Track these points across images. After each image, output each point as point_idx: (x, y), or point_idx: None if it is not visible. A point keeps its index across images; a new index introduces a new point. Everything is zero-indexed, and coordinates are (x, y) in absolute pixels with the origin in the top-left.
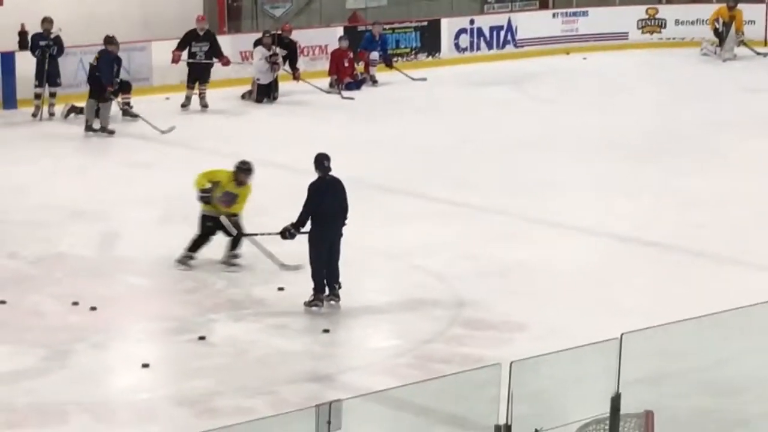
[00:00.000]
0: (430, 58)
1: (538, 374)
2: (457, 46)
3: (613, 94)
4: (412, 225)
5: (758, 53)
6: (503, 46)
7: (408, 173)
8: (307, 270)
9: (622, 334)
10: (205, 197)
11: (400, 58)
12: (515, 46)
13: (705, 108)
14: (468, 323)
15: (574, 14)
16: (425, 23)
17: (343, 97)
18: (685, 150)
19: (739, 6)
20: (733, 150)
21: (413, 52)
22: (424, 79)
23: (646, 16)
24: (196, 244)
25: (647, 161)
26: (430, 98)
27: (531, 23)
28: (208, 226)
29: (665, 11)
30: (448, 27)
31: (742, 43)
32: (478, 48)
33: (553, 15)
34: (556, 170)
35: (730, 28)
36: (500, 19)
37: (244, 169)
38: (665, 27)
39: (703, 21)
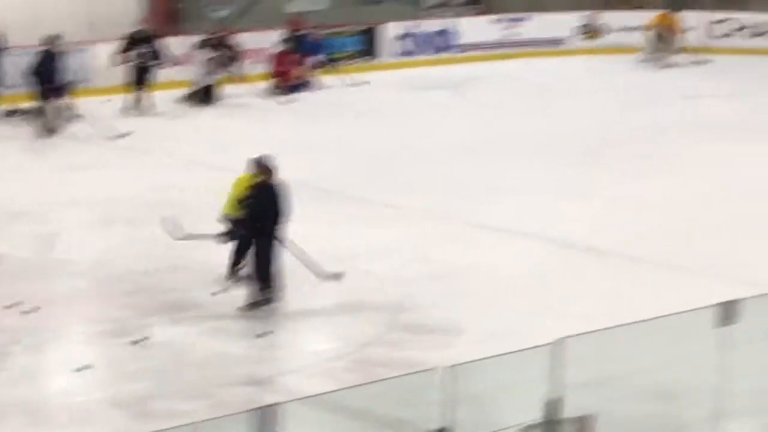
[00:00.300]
0: (371, 62)
1: (478, 378)
2: (397, 50)
3: (554, 99)
4: (355, 228)
5: (695, 60)
6: (444, 51)
7: (351, 177)
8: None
9: (562, 338)
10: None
11: (341, 62)
12: (456, 51)
13: (646, 114)
14: (408, 327)
15: (515, 20)
16: (366, 27)
17: (286, 101)
18: (627, 155)
19: (678, 13)
20: (674, 156)
21: (354, 56)
22: (367, 83)
23: (586, 23)
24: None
25: (590, 166)
26: (372, 102)
27: (472, 28)
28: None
29: (606, 18)
30: (389, 31)
31: (680, 49)
32: (419, 52)
33: (494, 20)
34: (498, 174)
35: (669, 34)
36: (441, 24)
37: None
38: (605, 33)
39: (641, 28)
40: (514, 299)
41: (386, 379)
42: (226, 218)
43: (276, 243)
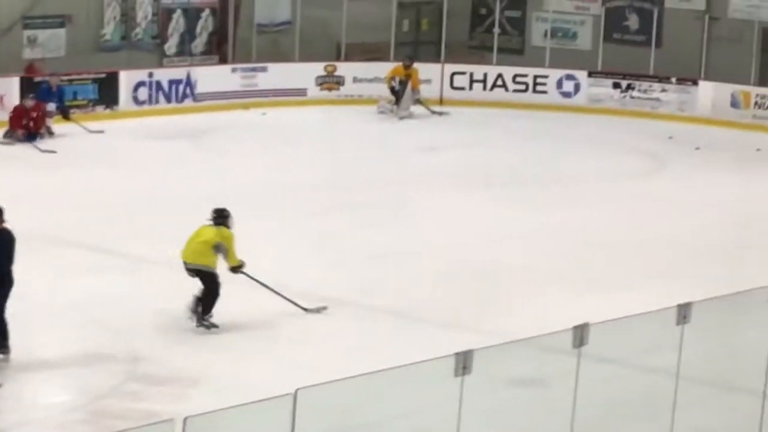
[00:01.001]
0: (108, 110)
1: (216, 430)
2: (135, 99)
3: (292, 149)
4: (89, 278)
5: (433, 112)
6: (182, 100)
7: (85, 226)
8: None
9: (297, 390)
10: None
11: (77, 110)
12: (194, 100)
13: (383, 164)
14: (144, 378)
15: (254, 69)
16: (103, 75)
17: (42, 150)
18: (366, 204)
19: (415, 65)
20: (412, 205)
21: (91, 104)
22: (102, 132)
23: (325, 73)
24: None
25: (330, 215)
26: (108, 151)
27: (210, 77)
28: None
29: (343, 68)
30: (126, 79)
31: (418, 101)
32: (157, 101)
33: (233, 70)
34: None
35: (406, 86)
36: (179, 73)
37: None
38: (343, 84)
39: (380, 79)
40: (249, 349)
41: (122, 431)
42: None
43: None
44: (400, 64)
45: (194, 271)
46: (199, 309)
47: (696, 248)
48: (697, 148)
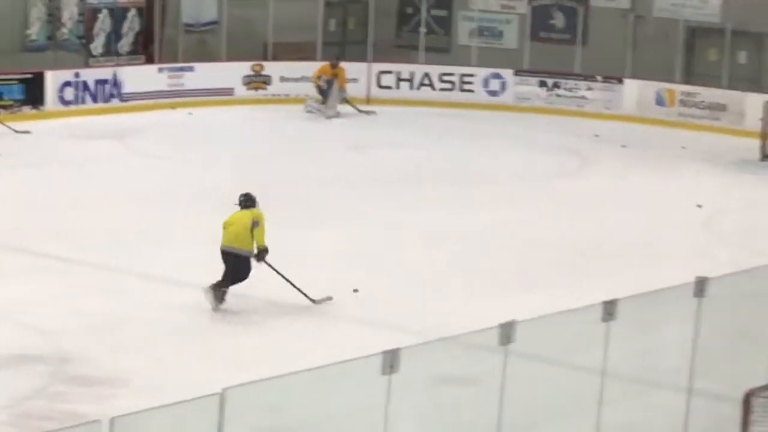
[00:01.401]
0: (35, 110)
1: (141, 430)
2: (61, 99)
3: (219, 149)
4: (12, 280)
5: (361, 111)
6: (109, 100)
7: (11, 227)
8: None
9: (224, 389)
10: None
11: (3, 111)
12: (121, 100)
13: (312, 164)
14: (71, 379)
15: (180, 69)
16: (29, 75)
17: None
18: (292, 204)
19: (342, 64)
20: (340, 205)
21: (17, 104)
22: (28, 132)
23: (252, 73)
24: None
25: None
26: (34, 151)
27: (137, 77)
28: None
29: (270, 68)
30: (52, 79)
31: (345, 100)
32: (83, 101)
33: (159, 69)
34: (158, 224)
35: (333, 85)
36: (106, 73)
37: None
38: (270, 83)
39: (307, 78)
40: (174, 349)
41: None
42: None
43: None
44: (327, 63)
45: (231, 255)
46: (220, 283)
47: (621, 246)
48: (623, 146)
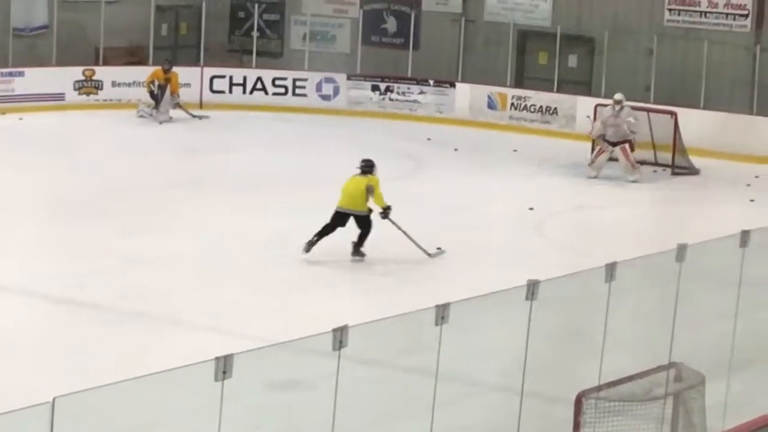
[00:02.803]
0: None
1: None
2: None
3: (51, 154)
4: None
5: (193, 116)
6: None
7: None
8: None
9: (54, 398)
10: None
11: None
12: None
13: (144, 169)
14: None
15: (10, 74)
16: None
17: None
18: (126, 210)
19: (175, 69)
20: (171, 210)
21: None
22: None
23: (83, 78)
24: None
25: (87, 221)
26: None
27: None
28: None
29: (102, 73)
30: None
31: (178, 105)
32: None
33: None
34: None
35: (166, 90)
36: None
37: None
38: (102, 88)
39: (139, 83)
40: (9, 358)
41: None
42: None
43: None
44: (160, 67)
45: (346, 216)
46: (356, 242)
47: (459, 250)
48: (456, 150)
